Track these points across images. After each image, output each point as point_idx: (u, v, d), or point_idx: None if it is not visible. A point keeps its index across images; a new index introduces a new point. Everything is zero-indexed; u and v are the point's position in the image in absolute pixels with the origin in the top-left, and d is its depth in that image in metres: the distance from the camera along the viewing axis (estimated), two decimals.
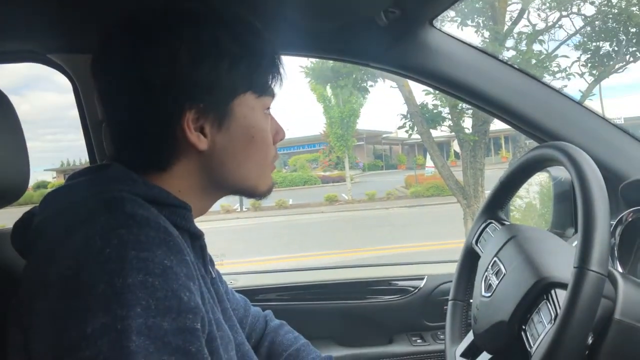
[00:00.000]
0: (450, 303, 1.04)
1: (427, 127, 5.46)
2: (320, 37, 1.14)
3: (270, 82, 0.77)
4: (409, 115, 5.50)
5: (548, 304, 0.73)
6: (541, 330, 0.71)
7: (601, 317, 0.70)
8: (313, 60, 5.40)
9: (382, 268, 1.58)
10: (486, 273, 0.89)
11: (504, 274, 0.84)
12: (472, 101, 1.14)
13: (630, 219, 1.02)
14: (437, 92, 5.07)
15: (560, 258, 0.79)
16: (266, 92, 0.76)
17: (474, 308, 0.91)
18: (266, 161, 0.78)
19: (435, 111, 5.39)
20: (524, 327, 0.76)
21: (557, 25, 5.74)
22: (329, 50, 1.22)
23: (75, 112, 1.25)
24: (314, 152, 24.00)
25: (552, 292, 0.73)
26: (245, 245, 9.49)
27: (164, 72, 0.68)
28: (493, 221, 0.99)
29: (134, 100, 0.70)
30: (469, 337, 0.95)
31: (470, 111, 5.24)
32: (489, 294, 0.86)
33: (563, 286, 0.71)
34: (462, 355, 0.95)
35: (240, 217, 14.20)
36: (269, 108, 0.78)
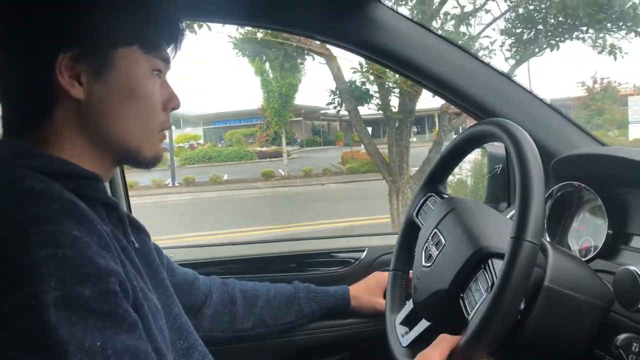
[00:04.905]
0: (390, 273, 1.07)
1: (355, 105, 5.47)
2: (267, 6, 1.12)
3: (161, 43, 0.75)
4: (337, 92, 5.54)
5: (485, 273, 0.76)
6: (478, 298, 0.75)
7: (532, 284, 0.75)
8: (242, 30, 5.27)
9: (322, 241, 1.60)
10: (426, 244, 0.92)
11: (444, 245, 0.87)
12: (416, 78, 1.16)
13: (559, 194, 1.09)
14: (364, 70, 5.12)
15: (497, 229, 0.83)
16: (155, 51, 0.74)
17: (414, 278, 0.94)
18: (151, 124, 0.75)
19: (363, 89, 5.42)
20: (462, 295, 0.80)
21: (483, 9, 5.92)
22: (275, 20, 1.20)
23: None
24: (251, 127, 23.63)
25: (489, 261, 0.77)
26: (178, 221, 9.29)
27: (40, 13, 0.67)
28: (433, 194, 1.02)
29: (11, 47, 0.68)
30: (409, 305, 0.98)
31: (396, 90, 5.33)
32: (429, 264, 0.89)
33: (499, 256, 0.74)
34: (402, 323, 0.98)
35: (171, 192, 13.83)
36: (160, 71, 0.76)
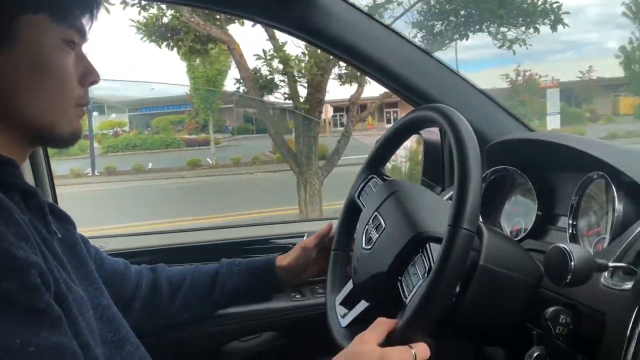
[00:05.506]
0: (332, 253, 1.07)
1: (260, 93, 5.38)
2: None
3: (73, 11, 0.70)
4: (241, 80, 5.41)
5: (423, 257, 0.78)
6: (415, 282, 0.76)
7: (468, 266, 0.77)
8: (146, 14, 5.08)
9: (260, 228, 1.58)
10: (367, 226, 0.93)
11: (384, 228, 0.88)
12: (356, 63, 1.18)
13: (492, 177, 1.13)
14: (268, 58, 5.09)
15: (435, 213, 0.85)
16: (66, 20, 0.69)
17: (354, 259, 0.95)
18: (65, 99, 0.71)
19: (269, 77, 5.33)
20: (400, 278, 0.81)
21: (395, 1, 6.01)
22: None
23: None
24: (179, 114, 22.78)
25: (427, 245, 0.79)
26: (98, 212, 8.83)
27: None
28: (375, 176, 1.03)
29: None
30: (349, 286, 0.98)
31: (302, 80, 5.28)
32: (369, 247, 0.90)
33: (437, 240, 0.76)
34: (341, 303, 0.98)
35: (91, 182, 13.11)
36: (73, 42, 0.71)
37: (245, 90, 5.41)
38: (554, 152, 1.01)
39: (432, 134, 1.32)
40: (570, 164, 0.98)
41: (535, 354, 0.79)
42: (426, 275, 0.75)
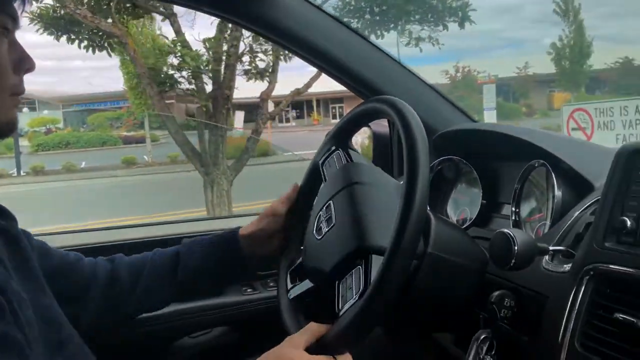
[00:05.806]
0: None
1: (158, 89, 5.10)
2: None
3: None
4: (138, 76, 5.20)
5: (361, 269, 0.76)
6: (349, 297, 0.75)
7: (416, 255, 0.78)
8: (42, 5, 4.77)
9: (203, 223, 1.55)
10: (320, 213, 0.91)
11: (333, 225, 0.86)
12: (306, 55, 1.17)
13: (439, 167, 1.17)
14: (164, 52, 4.91)
15: (384, 218, 0.80)
16: None
17: (305, 240, 0.93)
18: (0, 88, 0.69)
19: (169, 72, 5.14)
20: (338, 282, 0.80)
21: None
22: None
23: None
24: (117, 110, 21.78)
25: (370, 256, 0.77)
26: (20, 214, 8.28)
27: None
28: (340, 149, 0.99)
29: None
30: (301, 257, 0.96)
31: (204, 76, 5.06)
32: (319, 237, 0.88)
33: (380, 252, 0.74)
34: (292, 272, 0.96)
35: (15, 183, 12.33)
36: (6, 29, 0.70)
37: (143, 87, 5.17)
38: (498, 142, 1.06)
39: (381, 126, 1.34)
40: (513, 152, 1.03)
41: (482, 337, 0.82)
42: (360, 295, 0.73)
